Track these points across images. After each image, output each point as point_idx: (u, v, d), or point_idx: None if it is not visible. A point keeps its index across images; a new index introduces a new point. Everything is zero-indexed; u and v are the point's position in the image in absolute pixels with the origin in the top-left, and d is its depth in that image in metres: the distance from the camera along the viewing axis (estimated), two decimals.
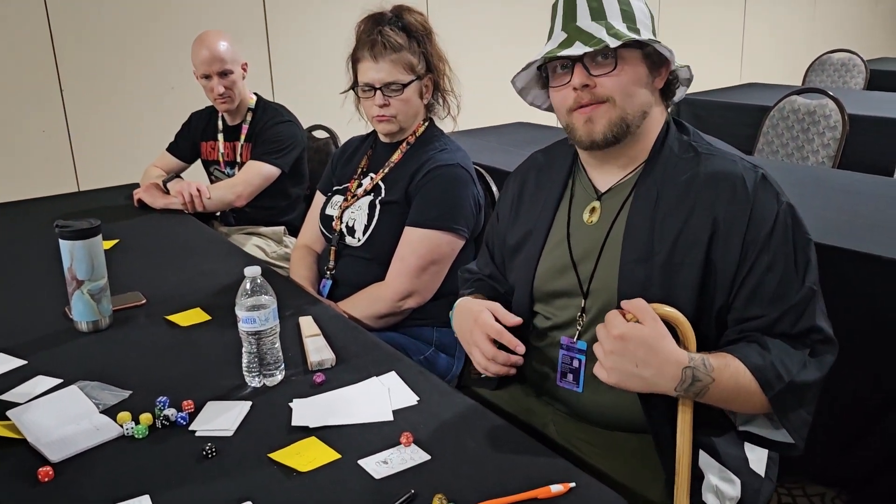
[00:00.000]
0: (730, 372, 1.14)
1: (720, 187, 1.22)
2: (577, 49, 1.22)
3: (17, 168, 3.45)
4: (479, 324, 1.32)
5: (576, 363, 1.32)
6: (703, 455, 1.26)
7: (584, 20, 1.26)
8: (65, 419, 1.22)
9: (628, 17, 1.26)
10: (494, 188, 2.08)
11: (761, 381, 1.15)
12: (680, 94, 1.36)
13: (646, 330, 1.10)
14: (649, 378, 1.11)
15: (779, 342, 1.18)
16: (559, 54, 1.23)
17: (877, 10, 8.14)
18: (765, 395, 1.15)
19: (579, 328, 1.33)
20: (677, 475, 1.17)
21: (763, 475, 1.32)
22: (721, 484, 1.26)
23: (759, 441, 1.26)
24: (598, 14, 1.25)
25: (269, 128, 2.67)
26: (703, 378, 1.12)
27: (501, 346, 1.31)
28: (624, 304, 1.14)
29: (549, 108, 1.40)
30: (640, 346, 1.10)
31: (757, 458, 1.31)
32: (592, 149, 1.30)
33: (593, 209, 1.35)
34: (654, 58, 1.28)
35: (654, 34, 1.30)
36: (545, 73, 1.32)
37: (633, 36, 1.22)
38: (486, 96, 4.02)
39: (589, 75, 1.24)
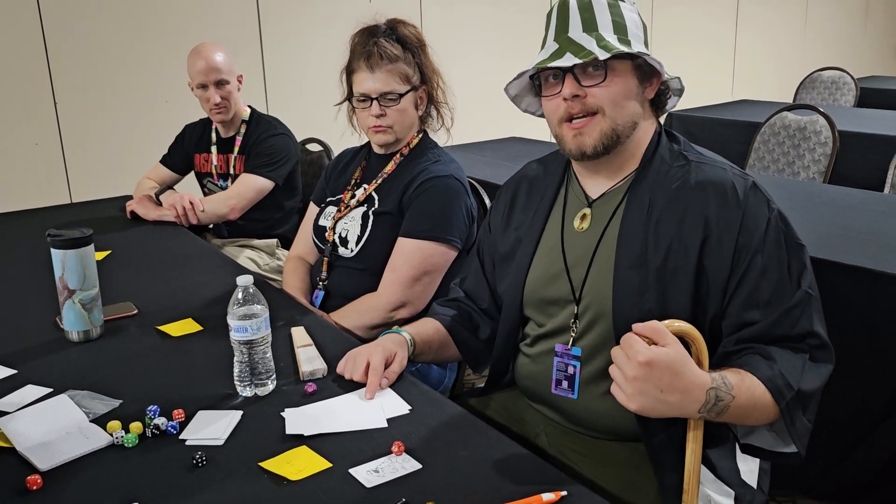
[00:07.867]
0: (745, 386, 1.13)
1: (711, 194, 1.23)
2: (568, 60, 1.23)
3: (9, 180, 3.44)
4: (374, 353, 1.35)
5: (571, 370, 1.32)
6: None
7: (575, 31, 1.27)
8: (54, 428, 1.21)
9: (620, 28, 1.27)
10: (487, 201, 2.08)
11: (773, 391, 1.14)
12: (671, 103, 1.37)
13: (672, 353, 1.05)
14: (675, 403, 1.07)
15: (779, 350, 1.18)
16: (549, 65, 1.25)
17: (866, 29, 8.23)
18: (776, 406, 1.14)
19: (573, 334, 1.33)
20: (685, 493, 1.15)
21: (755, 486, 1.32)
22: (715, 496, 1.26)
23: (760, 453, 1.25)
24: (589, 25, 1.27)
25: (263, 140, 2.67)
26: (724, 397, 1.10)
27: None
28: (637, 328, 1.08)
29: (543, 115, 1.41)
30: (666, 371, 1.05)
31: (749, 470, 1.31)
32: (582, 160, 1.32)
33: (584, 216, 1.36)
34: (644, 69, 1.29)
35: (647, 46, 1.31)
36: (538, 81, 1.33)
37: (623, 48, 1.23)
38: (478, 112, 4.04)
39: (580, 86, 1.26)
